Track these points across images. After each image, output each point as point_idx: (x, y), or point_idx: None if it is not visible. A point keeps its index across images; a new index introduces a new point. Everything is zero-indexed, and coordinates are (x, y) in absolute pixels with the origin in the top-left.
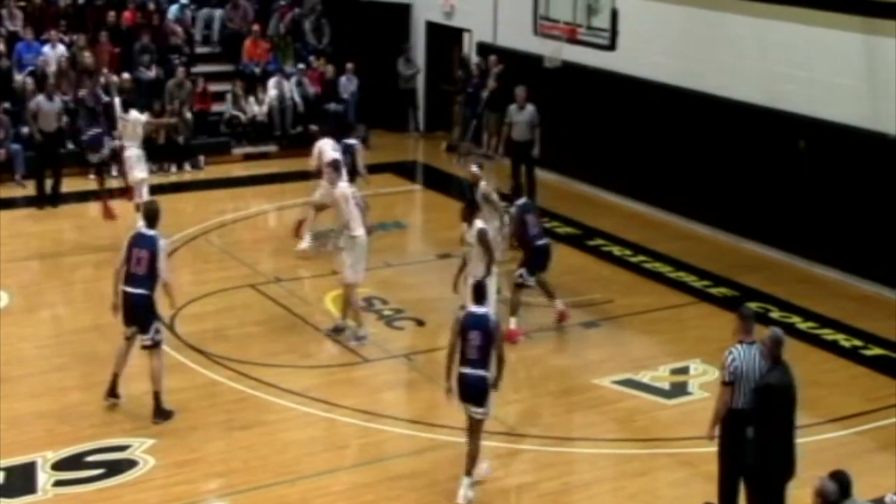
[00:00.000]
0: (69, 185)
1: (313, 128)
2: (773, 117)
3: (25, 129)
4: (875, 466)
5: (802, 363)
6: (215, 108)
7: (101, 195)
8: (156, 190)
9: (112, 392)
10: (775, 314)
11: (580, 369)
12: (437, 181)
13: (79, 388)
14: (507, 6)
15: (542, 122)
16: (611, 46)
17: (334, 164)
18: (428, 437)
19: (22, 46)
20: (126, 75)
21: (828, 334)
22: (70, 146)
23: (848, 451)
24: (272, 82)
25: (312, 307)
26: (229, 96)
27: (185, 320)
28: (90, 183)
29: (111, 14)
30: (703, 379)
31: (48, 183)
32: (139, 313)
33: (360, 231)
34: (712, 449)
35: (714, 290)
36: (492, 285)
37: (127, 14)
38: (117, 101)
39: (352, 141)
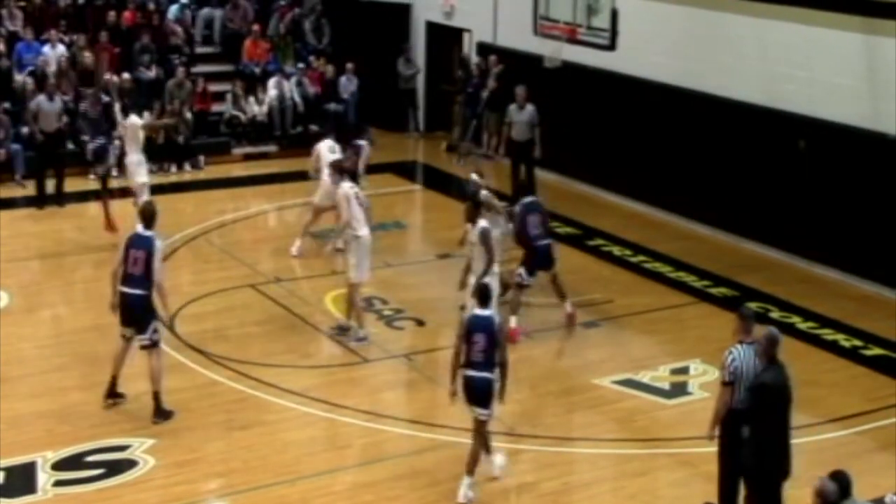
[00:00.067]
0: (69, 185)
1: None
2: (773, 117)
3: (25, 129)
4: (875, 466)
5: (802, 363)
6: (215, 108)
7: (105, 206)
8: (156, 190)
9: (112, 392)
10: (775, 314)
11: (580, 369)
12: (437, 181)
13: (79, 388)
14: (507, 6)
15: (542, 122)
16: (611, 46)
17: (336, 166)
18: (428, 436)
19: (22, 46)
20: (126, 75)
21: (828, 334)
22: (70, 146)
23: (848, 451)
24: (272, 82)
25: (312, 307)
26: (229, 96)
27: (185, 320)
28: (91, 183)
29: (111, 14)
30: (703, 379)
31: (52, 183)
32: (136, 313)
33: (363, 231)
34: (712, 449)
35: (714, 290)
36: (493, 286)
37: (127, 14)
38: (117, 106)
39: (361, 142)
